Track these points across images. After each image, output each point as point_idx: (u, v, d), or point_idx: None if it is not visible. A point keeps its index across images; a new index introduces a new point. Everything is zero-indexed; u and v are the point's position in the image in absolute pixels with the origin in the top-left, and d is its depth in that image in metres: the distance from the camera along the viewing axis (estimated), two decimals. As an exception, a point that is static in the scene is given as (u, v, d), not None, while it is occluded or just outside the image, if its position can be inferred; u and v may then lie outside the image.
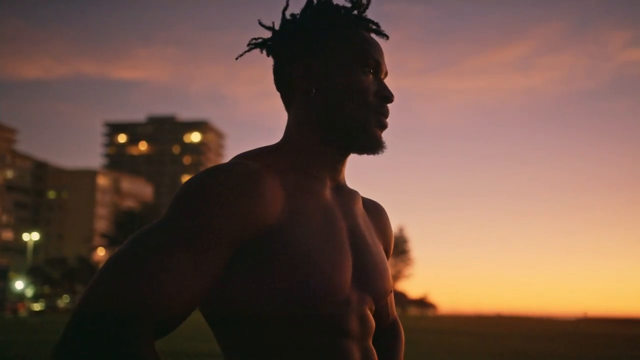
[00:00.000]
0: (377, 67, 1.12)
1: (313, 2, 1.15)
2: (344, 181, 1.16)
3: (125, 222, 58.91)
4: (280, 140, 1.12)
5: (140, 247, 0.89)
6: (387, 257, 1.22)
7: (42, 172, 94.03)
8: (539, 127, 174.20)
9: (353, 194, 1.16)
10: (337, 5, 1.15)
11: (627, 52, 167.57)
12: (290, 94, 1.13)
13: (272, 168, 1.02)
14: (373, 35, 1.17)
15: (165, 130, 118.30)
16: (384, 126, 1.11)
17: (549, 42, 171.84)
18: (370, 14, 1.16)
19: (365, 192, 1.24)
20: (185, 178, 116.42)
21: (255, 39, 1.16)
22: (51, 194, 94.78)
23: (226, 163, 0.99)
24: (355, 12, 1.15)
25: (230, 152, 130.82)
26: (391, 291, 1.17)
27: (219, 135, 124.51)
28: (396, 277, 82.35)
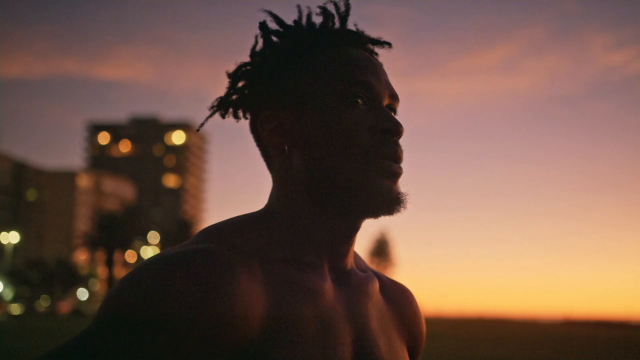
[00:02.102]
0: (369, 92, 0.82)
1: (268, 30, 0.88)
2: (353, 264, 0.86)
3: (106, 223, 58.30)
4: (264, 207, 0.85)
5: None
6: (416, 358, 0.93)
7: (21, 172, 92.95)
8: (522, 129, 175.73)
9: (365, 281, 0.85)
10: (303, 27, 0.87)
11: (609, 55, 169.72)
12: (266, 153, 0.87)
13: (252, 255, 0.75)
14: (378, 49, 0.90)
15: (147, 130, 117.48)
16: (393, 174, 0.80)
17: (532, 45, 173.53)
18: (349, 18, 0.89)
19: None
20: (168, 178, 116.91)
21: (217, 98, 0.90)
22: (31, 195, 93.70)
23: (185, 250, 0.72)
24: (336, 23, 0.88)
25: (213, 156, 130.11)
26: None
27: (202, 137, 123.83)
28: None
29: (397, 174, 0.80)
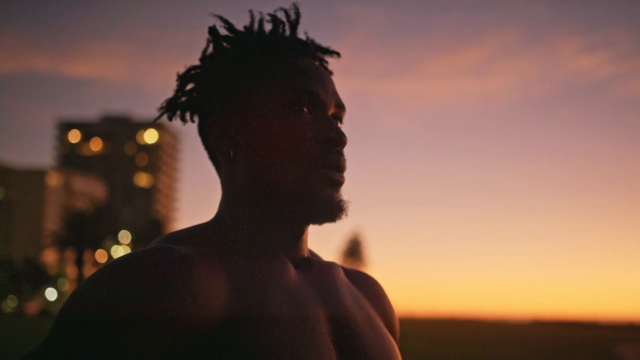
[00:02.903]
0: (314, 101, 0.83)
1: (218, 35, 0.88)
2: (310, 252, 0.88)
3: (76, 222, 57.52)
4: (215, 215, 0.86)
5: None
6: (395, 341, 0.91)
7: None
8: (493, 132, 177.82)
9: (326, 266, 0.86)
10: (252, 31, 0.88)
11: (579, 59, 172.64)
12: (214, 158, 0.88)
13: (208, 252, 0.76)
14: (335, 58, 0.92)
15: (119, 129, 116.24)
16: (335, 182, 0.81)
17: (503, 48, 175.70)
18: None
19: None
20: (140, 177, 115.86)
21: (166, 99, 0.91)
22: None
23: (144, 249, 0.73)
24: (285, 30, 0.88)
25: (186, 156, 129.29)
26: None
27: (174, 136, 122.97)
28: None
29: (339, 182, 0.82)
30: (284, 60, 0.85)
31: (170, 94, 0.90)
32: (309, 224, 0.83)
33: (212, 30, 0.88)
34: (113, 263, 0.71)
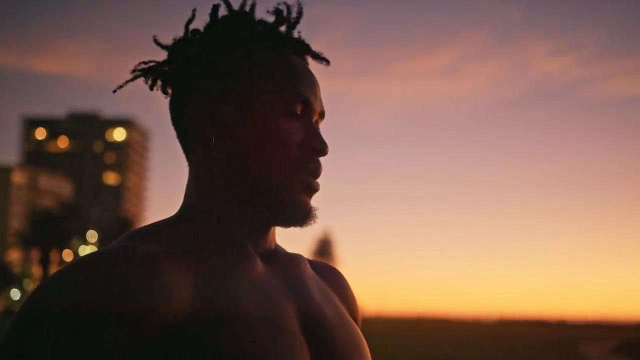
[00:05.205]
0: (306, 107, 0.83)
1: (218, 14, 0.85)
2: (276, 245, 0.87)
3: (42, 221, 56.59)
4: (180, 208, 0.84)
5: None
6: None
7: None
8: (463, 133, 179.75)
9: (293, 259, 0.86)
10: (254, 19, 0.86)
11: (547, 62, 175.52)
12: (187, 140, 0.84)
13: (174, 249, 0.74)
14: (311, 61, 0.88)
15: (87, 126, 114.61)
16: (312, 189, 0.83)
17: (473, 50, 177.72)
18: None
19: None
20: (108, 176, 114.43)
21: (144, 62, 0.86)
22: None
23: (108, 248, 0.72)
24: (282, 27, 0.86)
25: (155, 154, 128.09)
26: None
27: (143, 134, 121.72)
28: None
29: (315, 189, 0.83)
30: (282, 58, 0.83)
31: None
32: (279, 225, 0.83)
33: (215, 8, 0.85)
34: (76, 262, 0.70)
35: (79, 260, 0.70)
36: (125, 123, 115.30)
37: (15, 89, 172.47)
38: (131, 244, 0.72)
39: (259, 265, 0.80)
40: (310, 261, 0.92)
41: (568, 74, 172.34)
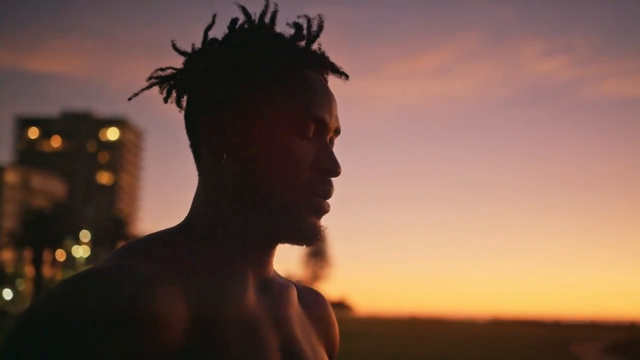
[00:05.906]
0: (321, 127, 0.81)
1: (237, 23, 0.83)
2: (273, 273, 0.86)
3: (34, 221, 56.37)
4: (186, 217, 0.83)
5: None
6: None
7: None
8: (457, 133, 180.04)
9: (285, 289, 0.87)
10: (273, 32, 0.84)
11: (541, 62, 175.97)
12: (198, 150, 0.83)
13: (172, 268, 0.73)
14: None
15: (80, 126, 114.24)
16: (321, 211, 0.81)
17: (468, 50, 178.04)
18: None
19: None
20: (101, 176, 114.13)
21: (161, 69, 0.84)
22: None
23: (107, 266, 0.71)
24: (302, 42, 0.84)
25: (149, 154, 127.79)
26: None
27: (137, 133, 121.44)
28: (313, 278, 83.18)
29: (324, 211, 0.81)
30: (298, 74, 0.81)
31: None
32: (285, 243, 0.82)
33: (234, 21, 0.83)
34: (72, 280, 0.69)
35: (76, 279, 0.69)
36: (118, 123, 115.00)
37: (9, 88, 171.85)
38: (130, 265, 0.71)
39: (252, 294, 0.80)
40: (298, 288, 0.92)
41: (562, 74, 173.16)
